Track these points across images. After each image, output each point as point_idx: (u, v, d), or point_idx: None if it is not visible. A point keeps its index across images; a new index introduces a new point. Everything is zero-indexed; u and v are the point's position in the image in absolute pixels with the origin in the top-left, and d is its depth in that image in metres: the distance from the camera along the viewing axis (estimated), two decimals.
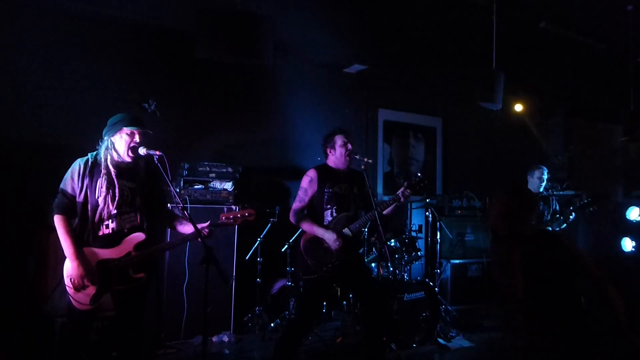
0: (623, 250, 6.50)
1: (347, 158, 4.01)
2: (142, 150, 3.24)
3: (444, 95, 7.62)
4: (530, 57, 7.56)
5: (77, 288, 3.05)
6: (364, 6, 6.11)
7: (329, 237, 3.81)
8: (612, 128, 9.17)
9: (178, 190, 4.90)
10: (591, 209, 5.51)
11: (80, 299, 3.08)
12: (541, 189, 5.76)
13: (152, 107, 5.17)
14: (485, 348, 5.17)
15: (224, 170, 5.19)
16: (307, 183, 3.97)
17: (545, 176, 5.80)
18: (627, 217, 6.53)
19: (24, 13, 4.72)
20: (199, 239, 3.20)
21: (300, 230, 4.32)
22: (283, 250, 5.34)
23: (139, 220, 3.24)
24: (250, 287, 5.27)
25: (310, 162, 6.17)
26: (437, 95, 7.59)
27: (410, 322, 4.93)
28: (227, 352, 4.74)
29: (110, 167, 3.17)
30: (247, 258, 5.26)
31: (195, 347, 4.66)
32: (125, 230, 3.18)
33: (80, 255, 3.05)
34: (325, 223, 3.93)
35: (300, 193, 3.98)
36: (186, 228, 3.38)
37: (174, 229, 3.48)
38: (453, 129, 7.86)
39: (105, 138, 3.22)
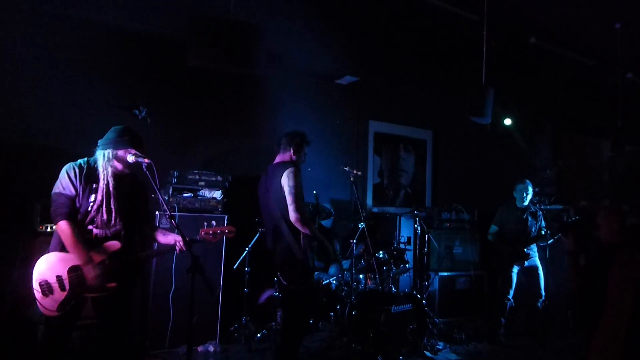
0: None
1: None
2: (130, 158, 3.23)
3: (435, 108, 7.67)
4: (519, 72, 7.66)
5: (98, 289, 3.04)
6: (357, 19, 6.17)
7: (330, 248, 3.89)
8: (599, 143, 9.28)
9: (167, 198, 4.88)
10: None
11: (47, 304, 3.05)
12: (525, 203, 5.80)
13: (143, 114, 5.15)
14: None
15: (214, 178, 5.18)
16: (299, 179, 3.80)
17: (530, 190, 5.85)
18: None
19: (17, 20, 4.70)
20: (178, 250, 3.27)
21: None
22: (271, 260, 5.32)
23: (119, 228, 3.24)
24: (238, 296, 5.24)
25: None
26: (428, 108, 7.64)
27: (397, 335, 4.91)
28: None
29: (110, 178, 3.19)
30: (234, 267, 5.23)
31: (180, 356, 4.62)
32: (107, 236, 3.19)
33: (91, 260, 3.05)
34: None
35: (296, 192, 3.72)
36: (167, 239, 3.39)
37: (154, 239, 3.48)
38: (443, 141, 7.90)
39: (108, 151, 3.19)
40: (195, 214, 4.98)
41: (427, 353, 5.09)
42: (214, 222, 3.45)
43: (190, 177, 5.08)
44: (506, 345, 5.60)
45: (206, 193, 5.12)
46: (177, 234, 3.30)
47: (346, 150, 6.82)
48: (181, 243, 3.26)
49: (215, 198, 5.13)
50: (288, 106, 6.11)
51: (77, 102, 4.91)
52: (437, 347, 5.29)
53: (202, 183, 5.13)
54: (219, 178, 5.20)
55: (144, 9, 4.85)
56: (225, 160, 5.77)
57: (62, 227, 3.05)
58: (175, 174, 4.99)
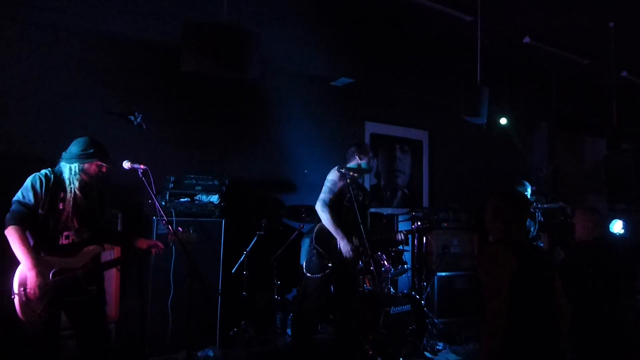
0: None
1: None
2: (126, 164, 3.28)
3: (430, 109, 7.68)
4: (514, 72, 7.68)
5: (33, 298, 3.05)
6: (351, 20, 6.18)
7: (344, 247, 4.11)
8: (595, 141, 9.31)
9: (163, 203, 4.87)
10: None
11: (30, 308, 3.06)
12: None
13: (138, 120, 5.15)
14: None
15: (210, 183, 5.17)
16: (338, 177, 4.27)
17: (529, 192, 5.87)
18: (611, 230, 6.59)
19: (10, 27, 4.69)
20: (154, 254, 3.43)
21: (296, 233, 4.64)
22: (269, 263, 5.32)
23: (94, 234, 3.32)
24: (237, 300, 5.23)
25: (297, 175, 6.20)
26: (424, 108, 7.65)
27: (397, 336, 4.92)
28: None
29: (77, 191, 3.23)
30: (233, 271, 5.22)
31: None
32: (84, 241, 3.25)
33: (39, 265, 3.07)
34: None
35: (330, 185, 4.26)
36: (138, 243, 3.51)
37: (118, 244, 3.67)
38: (439, 141, 7.91)
39: (75, 164, 3.24)
40: (193, 219, 4.97)
41: (427, 354, 5.10)
42: (180, 229, 3.54)
43: (186, 182, 5.07)
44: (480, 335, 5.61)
45: (203, 197, 5.12)
46: (170, 236, 3.40)
47: (342, 152, 6.81)
48: (155, 250, 3.44)
49: (212, 202, 5.13)
50: (283, 109, 6.12)
51: (72, 109, 4.90)
52: (437, 347, 5.31)
53: (199, 187, 5.12)
54: (216, 182, 5.19)
55: (138, 15, 4.85)
56: (221, 165, 5.76)
57: (10, 231, 3.08)
58: (172, 179, 4.98)
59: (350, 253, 4.07)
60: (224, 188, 5.22)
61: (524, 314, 2.49)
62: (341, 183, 4.26)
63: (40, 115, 4.80)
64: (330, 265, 4.14)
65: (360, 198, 4.36)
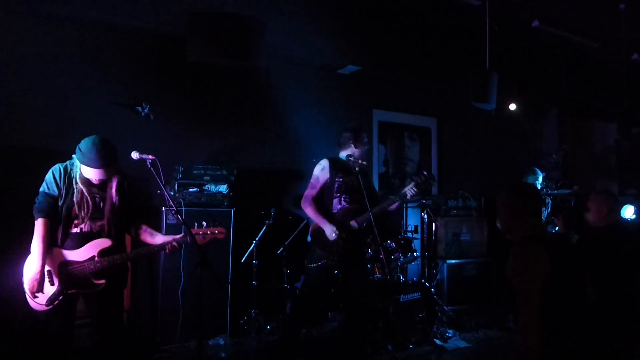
0: None
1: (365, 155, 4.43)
2: (134, 155, 3.29)
3: (439, 96, 7.62)
4: (523, 57, 7.60)
5: (32, 291, 3.09)
6: (357, 7, 6.13)
7: (328, 229, 4.07)
8: (606, 126, 9.22)
9: (172, 193, 4.89)
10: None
11: (36, 298, 3.12)
12: None
13: (146, 111, 5.16)
14: (482, 348, 5.18)
15: (219, 172, 5.18)
16: (320, 171, 4.26)
17: (540, 179, 5.84)
18: (622, 215, 6.54)
19: (16, 19, 4.69)
20: (167, 251, 3.31)
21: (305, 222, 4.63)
22: (279, 252, 5.34)
23: (106, 226, 3.29)
24: (246, 289, 5.26)
25: (305, 164, 6.16)
26: (432, 95, 7.60)
27: (407, 323, 4.93)
28: (224, 355, 4.72)
29: (80, 182, 3.24)
30: (242, 261, 5.24)
31: (191, 350, 4.65)
32: (94, 232, 3.25)
33: (43, 263, 3.10)
34: (334, 211, 4.21)
35: (312, 181, 4.28)
36: (154, 239, 3.41)
37: (139, 239, 3.49)
38: (448, 129, 7.86)
39: (77, 162, 3.24)
40: (202, 209, 4.99)
41: (437, 341, 5.10)
42: (204, 223, 3.48)
43: (195, 172, 5.08)
44: (516, 331, 5.60)
45: (212, 187, 5.13)
46: (184, 230, 3.34)
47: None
48: (169, 246, 3.31)
49: (221, 192, 5.14)
50: (291, 98, 6.09)
51: (79, 102, 4.91)
52: (447, 334, 5.31)
53: (208, 177, 5.13)
54: (224, 172, 5.20)
55: (143, 5, 4.83)
56: (230, 154, 5.76)
57: (39, 224, 3.15)
58: (180, 169, 5.00)
59: (334, 235, 4.01)
60: (233, 178, 5.23)
61: (558, 313, 2.42)
62: (324, 178, 4.23)
63: (46, 108, 4.80)
64: (331, 257, 4.12)
65: (355, 184, 4.22)
